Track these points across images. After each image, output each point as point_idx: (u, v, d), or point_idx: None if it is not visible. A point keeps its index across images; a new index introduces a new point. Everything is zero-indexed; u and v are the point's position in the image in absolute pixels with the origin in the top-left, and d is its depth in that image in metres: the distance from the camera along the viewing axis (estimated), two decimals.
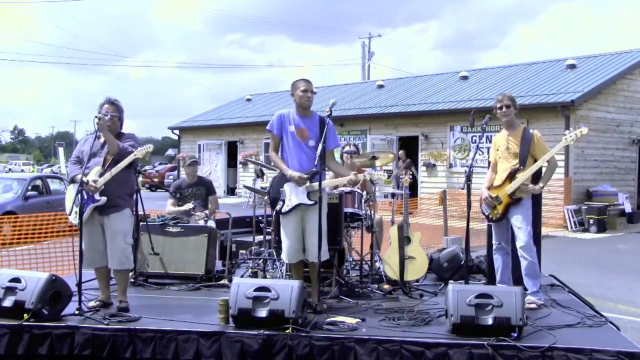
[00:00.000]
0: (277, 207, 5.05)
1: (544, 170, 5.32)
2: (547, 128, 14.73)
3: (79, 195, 4.70)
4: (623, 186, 17.25)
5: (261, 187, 6.91)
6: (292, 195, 4.96)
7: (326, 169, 5.22)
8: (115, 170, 4.80)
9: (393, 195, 10.03)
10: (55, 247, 8.39)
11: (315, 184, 4.90)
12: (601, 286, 8.33)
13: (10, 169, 50.51)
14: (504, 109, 5.30)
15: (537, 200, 5.52)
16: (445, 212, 11.79)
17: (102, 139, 4.93)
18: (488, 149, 16.03)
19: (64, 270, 7.73)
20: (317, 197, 4.92)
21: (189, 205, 6.96)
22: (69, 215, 4.89)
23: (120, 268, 4.95)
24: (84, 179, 4.71)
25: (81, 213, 4.74)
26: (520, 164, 5.19)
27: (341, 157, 6.74)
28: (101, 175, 4.81)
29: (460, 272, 6.06)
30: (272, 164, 5.42)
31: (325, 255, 5.09)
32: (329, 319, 4.55)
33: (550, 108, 15.91)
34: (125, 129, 5.16)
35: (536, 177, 5.35)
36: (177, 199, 7.19)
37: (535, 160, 5.21)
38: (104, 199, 4.78)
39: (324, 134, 4.94)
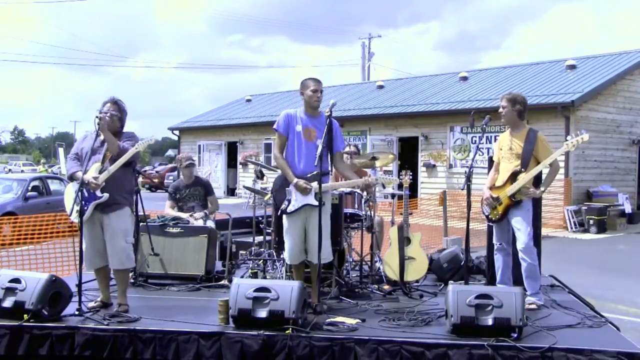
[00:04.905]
0: (283, 207, 5.00)
1: (545, 172, 5.32)
2: (547, 129, 14.73)
3: (79, 194, 4.69)
4: (623, 187, 17.26)
5: (261, 188, 6.91)
6: (299, 195, 4.95)
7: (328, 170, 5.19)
8: (114, 166, 4.78)
9: (393, 195, 10.02)
10: (55, 247, 8.39)
11: (325, 185, 4.86)
12: (601, 287, 8.32)
13: (10, 170, 50.45)
14: (500, 109, 5.34)
15: (537, 201, 5.51)
16: (445, 213, 11.79)
17: (102, 137, 4.92)
18: (488, 149, 16.06)
19: (64, 271, 7.74)
20: (324, 198, 4.90)
21: (186, 215, 6.86)
22: (70, 215, 4.88)
23: (120, 268, 4.94)
24: (85, 177, 4.70)
25: (82, 213, 4.73)
26: (522, 165, 5.18)
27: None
28: (100, 172, 4.80)
29: (460, 273, 6.06)
30: (275, 165, 5.37)
31: (329, 257, 5.09)
32: (329, 320, 4.55)
33: (551, 109, 15.93)
34: (125, 129, 5.15)
35: (537, 179, 5.35)
36: (176, 200, 7.18)
37: (538, 162, 5.20)
38: (106, 195, 4.76)
39: (325, 134, 4.89)
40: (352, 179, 5.17)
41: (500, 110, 5.34)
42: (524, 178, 5.13)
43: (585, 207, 15.29)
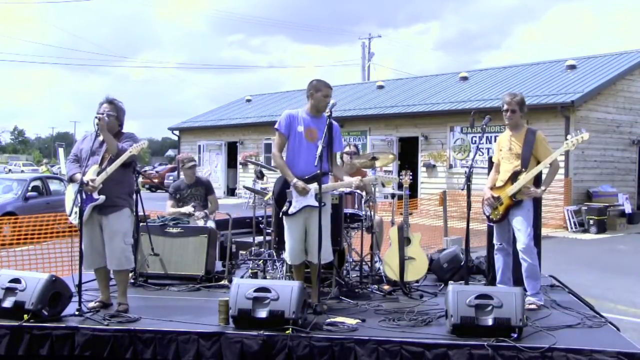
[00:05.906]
0: (284, 209, 5.00)
1: (545, 172, 5.32)
2: (547, 129, 14.73)
3: (79, 196, 4.69)
4: (623, 187, 17.26)
5: (261, 188, 6.91)
6: (299, 197, 4.94)
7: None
8: (111, 168, 4.78)
9: (393, 195, 10.02)
10: (55, 247, 8.39)
11: (323, 186, 4.86)
12: (601, 287, 8.33)
13: (10, 170, 50.42)
14: (509, 114, 5.29)
15: (537, 201, 5.52)
16: (445, 213, 11.80)
17: (101, 138, 4.92)
18: (488, 149, 16.05)
19: (64, 271, 7.73)
20: (325, 198, 4.90)
21: (188, 209, 6.96)
22: (69, 215, 4.89)
23: (119, 269, 4.94)
24: (83, 178, 4.71)
25: (81, 213, 4.74)
26: (522, 165, 5.19)
27: (341, 158, 6.74)
28: (98, 174, 4.80)
29: (460, 273, 6.06)
30: (274, 164, 5.36)
31: (329, 257, 5.09)
32: (329, 320, 4.55)
33: (550, 109, 15.93)
34: (125, 130, 5.15)
35: (537, 179, 5.35)
36: (177, 200, 7.22)
37: (538, 162, 5.20)
38: (102, 197, 4.77)
39: (325, 135, 4.88)
40: (345, 180, 5.17)
41: (510, 114, 5.27)
42: (525, 178, 5.14)
43: (585, 207, 15.29)
